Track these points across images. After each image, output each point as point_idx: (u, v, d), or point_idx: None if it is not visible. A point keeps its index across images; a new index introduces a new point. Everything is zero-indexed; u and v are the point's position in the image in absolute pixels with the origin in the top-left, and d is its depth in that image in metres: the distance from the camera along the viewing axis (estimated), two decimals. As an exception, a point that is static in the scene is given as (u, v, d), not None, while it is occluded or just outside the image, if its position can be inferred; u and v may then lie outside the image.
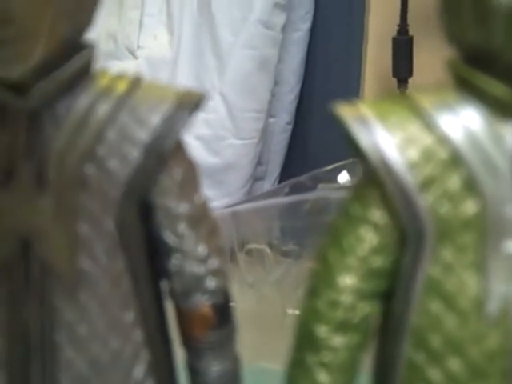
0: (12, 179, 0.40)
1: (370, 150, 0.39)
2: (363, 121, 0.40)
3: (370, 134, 0.39)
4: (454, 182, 0.39)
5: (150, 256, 0.43)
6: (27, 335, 0.42)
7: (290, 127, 1.23)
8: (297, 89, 1.22)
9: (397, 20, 1.10)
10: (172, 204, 0.42)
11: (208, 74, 1.14)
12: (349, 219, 0.42)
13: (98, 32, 1.15)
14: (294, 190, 1.06)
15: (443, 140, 0.39)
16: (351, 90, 1.16)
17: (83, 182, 0.40)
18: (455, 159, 0.39)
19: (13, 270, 0.41)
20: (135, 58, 1.15)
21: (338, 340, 0.42)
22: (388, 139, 0.39)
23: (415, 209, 0.39)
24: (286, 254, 0.97)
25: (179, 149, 0.42)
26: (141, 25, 1.16)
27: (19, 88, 0.39)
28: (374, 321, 0.43)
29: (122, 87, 0.41)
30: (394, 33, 1.10)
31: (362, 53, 1.17)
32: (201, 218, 0.43)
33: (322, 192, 0.98)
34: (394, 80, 1.12)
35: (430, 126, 0.39)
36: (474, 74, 0.39)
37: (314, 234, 0.46)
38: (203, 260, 0.43)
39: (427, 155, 0.39)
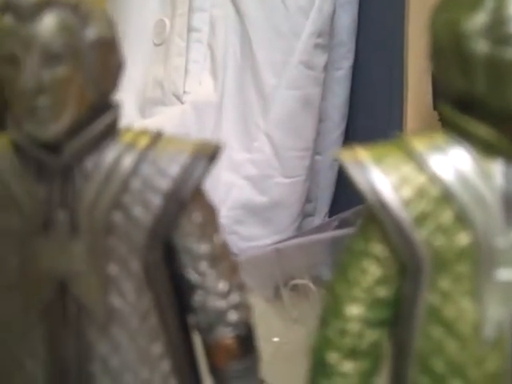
0: (48, 227, 0.45)
1: (367, 190, 0.43)
2: (360, 164, 0.43)
3: (367, 175, 0.43)
4: (446, 216, 0.43)
5: (176, 293, 0.47)
6: (65, 369, 0.46)
7: (337, 164, 1.26)
8: (342, 125, 1.25)
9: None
10: (193, 245, 0.47)
11: (253, 116, 1.18)
12: (353, 253, 0.45)
13: (146, 80, 1.21)
14: (340, 225, 1.09)
15: (435, 179, 0.43)
16: (394, 124, 1.19)
17: (111, 228, 0.45)
18: (447, 196, 0.42)
19: (52, 310, 0.46)
20: (181, 103, 1.19)
21: (349, 366, 0.45)
22: (383, 180, 0.43)
23: (411, 242, 0.43)
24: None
25: (198, 194, 0.47)
26: (186, 71, 1.21)
27: (53, 147, 0.44)
28: (385, 347, 0.47)
29: (143, 142, 0.46)
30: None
31: (403, 87, 1.20)
32: (220, 256, 0.47)
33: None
34: (436, 113, 1.14)
35: (422, 166, 0.43)
36: (461, 117, 0.43)
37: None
38: (224, 295, 0.47)
39: (420, 193, 0.43)
